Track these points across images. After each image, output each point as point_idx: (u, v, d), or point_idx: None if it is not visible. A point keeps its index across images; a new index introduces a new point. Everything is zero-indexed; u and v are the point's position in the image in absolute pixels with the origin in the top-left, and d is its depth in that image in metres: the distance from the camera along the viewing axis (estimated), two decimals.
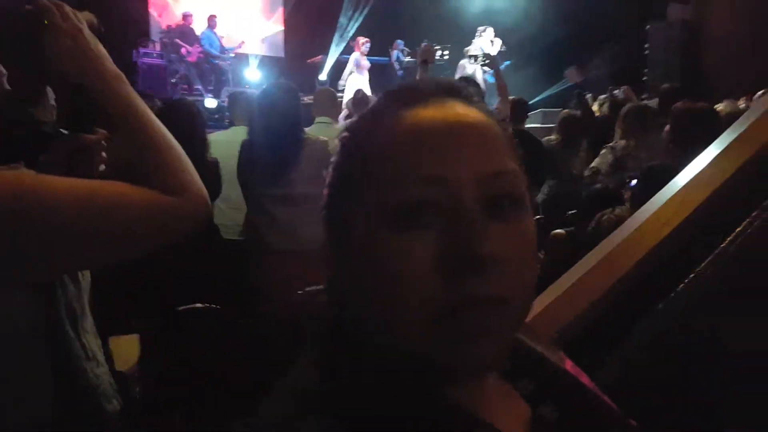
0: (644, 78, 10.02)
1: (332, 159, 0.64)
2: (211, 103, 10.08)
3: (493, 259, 0.53)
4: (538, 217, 3.60)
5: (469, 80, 5.12)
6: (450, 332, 0.53)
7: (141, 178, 1.11)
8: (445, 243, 0.54)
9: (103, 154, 1.33)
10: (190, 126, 2.77)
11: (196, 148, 2.69)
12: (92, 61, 1.13)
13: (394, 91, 0.64)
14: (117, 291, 2.30)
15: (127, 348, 2.40)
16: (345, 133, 0.64)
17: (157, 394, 2.32)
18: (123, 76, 1.17)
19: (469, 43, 10.93)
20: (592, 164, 4.08)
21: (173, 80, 11.13)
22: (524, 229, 0.57)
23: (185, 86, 11.30)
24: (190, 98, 10.57)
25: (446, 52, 11.43)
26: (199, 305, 2.40)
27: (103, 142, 1.31)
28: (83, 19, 1.16)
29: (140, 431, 1.63)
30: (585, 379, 0.71)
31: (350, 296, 0.60)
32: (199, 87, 11.08)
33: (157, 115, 1.21)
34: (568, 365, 0.72)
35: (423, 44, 4.25)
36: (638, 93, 7.20)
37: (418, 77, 3.98)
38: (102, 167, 1.34)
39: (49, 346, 1.18)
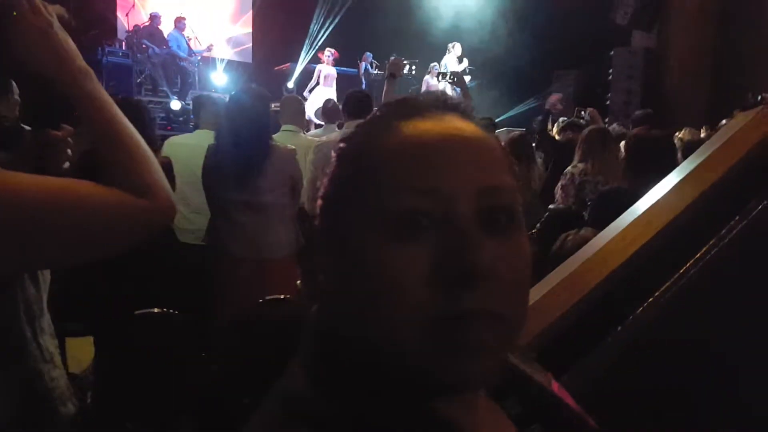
0: (607, 102, 10.25)
1: (327, 170, 0.64)
2: (176, 105, 9.96)
3: (488, 272, 0.53)
4: None
5: None
6: (443, 344, 0.53)
7: (108, 177, 1.08)
8: (439, 254, 0.53)
9: (69, 151, 1.30)
10: (136, 124, 2.65)
11: None
12: (61, 57, 1.10)
13: (392, 104, 0.64)
14: (72, 292, 2.25)
15: (81, 350, 2.35)
16: (342, 144, 0.64)
17: (110, 398, 2.27)
18: (92, 72, 1.14)
19: (436, 59, 11.06)
20: (558, 200, 4.12)
21: (138, 80, 10.97)
22: (519, 246, 0.57)
23: (150, 87, 11.15)
24: (156, 99, 10.50)
25: (414, 67, 11.54)
26: (155, 310, 2.37)
27: (69, 138, 1.28)
28: (53, 13, 1.13)
29: None
30: (570, 400, 0.72)
31: (343, 306, 0.59)
32: (165, 88, 10.94)
33: None
34: (555, 387, 0.72)
35: (392, 58, 4.28)
36: (601, 117, 7.34)
37: (385, 90, 4.01)
38: (67, 164, 1.31)
39: (3, 347, 1.16)
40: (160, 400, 2.29)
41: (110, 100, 1.15)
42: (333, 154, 0.64)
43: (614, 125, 6.64)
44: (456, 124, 0.60)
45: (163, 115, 9.99)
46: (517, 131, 6.59)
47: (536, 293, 1.45)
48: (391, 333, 0.54)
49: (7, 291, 1.16)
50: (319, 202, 0.64)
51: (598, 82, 10.73)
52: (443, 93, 0.66)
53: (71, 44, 1.13)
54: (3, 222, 0.96)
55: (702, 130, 5.52)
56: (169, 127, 9.25)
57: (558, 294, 1.41)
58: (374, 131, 0.61)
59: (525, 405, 0.67)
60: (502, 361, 0.58)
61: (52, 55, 1.09)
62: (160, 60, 10.96)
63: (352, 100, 4.38)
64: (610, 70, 10.45)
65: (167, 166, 3.10)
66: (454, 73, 5.15)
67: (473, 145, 0.58)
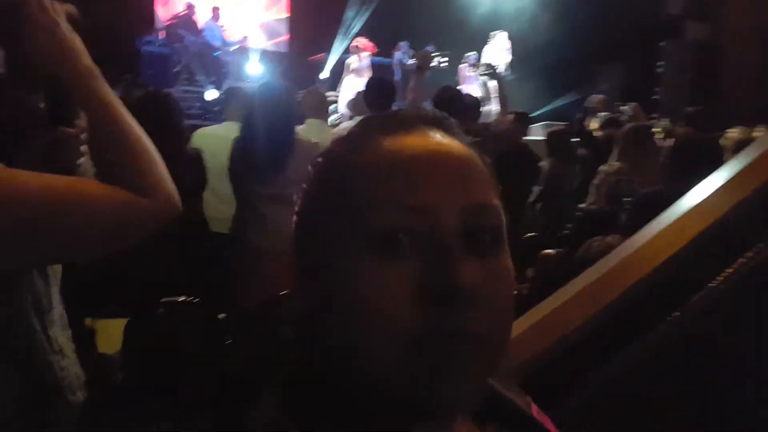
0: (654, 97, 9.87)
1: (304, 185, 0.63)
2: (211, 94, 10.04)
3: (471, 291, 0.51)
4: (531, 234, 3.57)
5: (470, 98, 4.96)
6: (424, 364, 0.52)
7: (112, 176, 1.11)
8: (421, 273, 0.52)
9: (82, 147, 1.32)
10: (166, 117, 2.71)
11: (173, 139, 2.67)
12: (67, 56, 1.12)
13: (374, 119, 0.63)
14: (101, 277, 2.28)
15: (118, 330, 2.38)
16: (320, 159, 0.62)
17: (138, 382, 2.30)
18: (98, 72, 1.16)
19: (476, 48, 10.83)
20: (591, 199, 3.98)
21: (175, 69, 11.10)
22: (503, 267, 0.56)
23: (187, 76, 11.27)
24: (192, 89, 10.61)
25: (445, 59, 11.24)
26: (180, 298, 2.38)
27: (82, 135, 1.30)
28: (61, 11, 1.15)
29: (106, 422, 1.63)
30: (550, 425, 0.71)
31: (321, 328, 0.58)
32: (201, 78, 11.05)
33: (132, 106, 1.20)
34: (534, 411, 0.71)
35: (426, 49, 4.21)
36: (647, 112, 7.10)
37: (412, 83, 3.98)
38: (81, 160, 1.33)
39: (13, 340, 1.19)
40: (181, 390, 2.31)
41: (115, 99, 1.17)
42: (309, 168, 0.62)
43: (664, 121, 6.45)
44: (440, 140, 0.58)
45: (199, 104, 10.09)
46: (558, 125, 6.43)
47: (558, 299, 1.40)
48: (371, 352, 0.53)
49: (15, 286, 1.19)
50: (295, 218, 0.62)
51: (645, 75, 10.33)
52: (427, 109, 0.64)
53: (78, 43, 1.15)
54: (8, 220, 0.99)
55: (761, 130, 5.24)
56: (204, 117, 9.33)
57: (571, 308, 1.36)
58: (355, 146, 0.59)
59: (505, 429, 0.66)
60: (483, 384, 0.56)
61: (58, 53, 1.11)
62: (195, 50, 11.10)
63: (372, 90, 4.13)
64: (659, 63, 10.06)
65: (197, 157, 3.13)
66: (488, 65, 5.08)
67: (458, 161, 0.57)
